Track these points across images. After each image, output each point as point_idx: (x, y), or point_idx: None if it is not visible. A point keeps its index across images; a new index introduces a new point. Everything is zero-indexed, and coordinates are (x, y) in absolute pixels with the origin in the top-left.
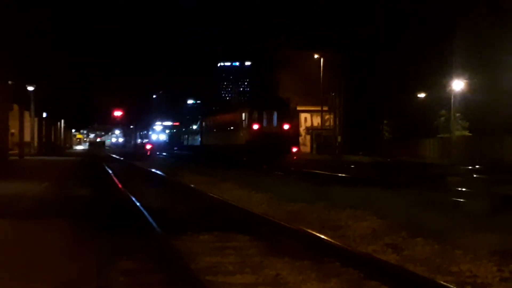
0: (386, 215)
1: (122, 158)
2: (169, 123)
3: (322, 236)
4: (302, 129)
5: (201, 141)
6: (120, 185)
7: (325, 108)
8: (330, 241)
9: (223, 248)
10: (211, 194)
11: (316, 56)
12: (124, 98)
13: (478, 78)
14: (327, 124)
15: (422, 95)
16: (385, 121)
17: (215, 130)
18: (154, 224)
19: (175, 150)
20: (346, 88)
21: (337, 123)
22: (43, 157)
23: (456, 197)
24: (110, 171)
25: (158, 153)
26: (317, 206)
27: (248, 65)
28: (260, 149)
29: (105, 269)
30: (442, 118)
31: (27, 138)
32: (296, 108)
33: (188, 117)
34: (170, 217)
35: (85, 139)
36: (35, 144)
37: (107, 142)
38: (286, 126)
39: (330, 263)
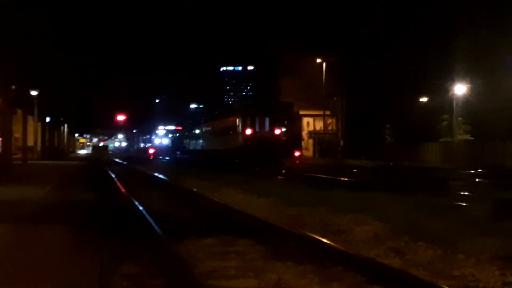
0: (388, 219)
1: (125, 163)
2: (172, 127)
3: (325, 240)
4: (304, 133)
5: (202, 146)
6: (123, 189)
7: (328, 112)
8: (333, 245)
9: (225, 252)
10: (213, 199)
11: (318, 60)
12: (127, 102)
13: (481, 82)
14: (329, 128)
15: (424, 99)
16: (387, 125)
17: (214, 135)
18: (156, 228)
19: (178, 154)
20: (348, 92)
21: (340, 127)
22: (46, 161)
23: (458, 201)
24: (113, 175)
25: (161, 157)
26: (319, 210)
27: (250, 70)
28: (253, 153)
29: (107, 273)
30: (444, 123)
31: (30, 142)
32: (298, 112)
33: (190, 121)
34: (172, 221)
35: (88, 143)
36: (39, 148)
37: (110, 146)
38: (277, 131)
39: (332, 267)
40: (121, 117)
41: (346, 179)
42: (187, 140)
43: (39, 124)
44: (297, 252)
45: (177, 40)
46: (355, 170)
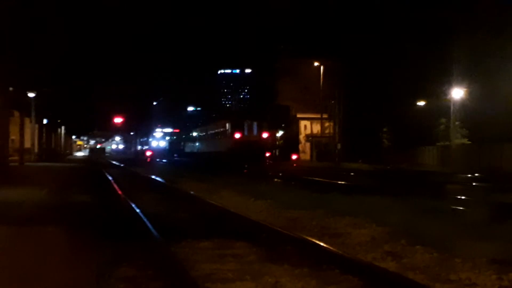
0: (386, 223)
1: (122, 165)
2: (169, 130)
3: (322, 244)
4: (302, 137)
5: (198, 148)
6: (120, 192)
7: (325, 116)
8: (330, 249)
9: (222, 255)
10: (210, 201)
11: (316, 63)
12: (124, 104)
13: (478, 86)
14: (326, 131)
15: (422, 103)
16: (384, 129)
17: (208, 138)
18: (153, 231)
19: (175, 157)
20: (346, 95)
21: (337, 130)
22: (43, 163)
23: (455, 205)
24: (110, 178)
25: (158, 160)
26: (316, 213)
27: (248, 72)
28: (241, 155)
29: (104, 275)
30: (442, 126)
31: (27, 144)
32: (296, 115)
33: (188, 124)
34: (169, 224)
35: (85, 145)
36: (36, 150)
37: (107, 148)
38: (265, 135)
39: (329, 270)
40: (118, 120)
41: (343, 182)
42: (183, 143)
43: (36, 126)
44: (294, 255)
45: (175, 43)
46: (352, 174)
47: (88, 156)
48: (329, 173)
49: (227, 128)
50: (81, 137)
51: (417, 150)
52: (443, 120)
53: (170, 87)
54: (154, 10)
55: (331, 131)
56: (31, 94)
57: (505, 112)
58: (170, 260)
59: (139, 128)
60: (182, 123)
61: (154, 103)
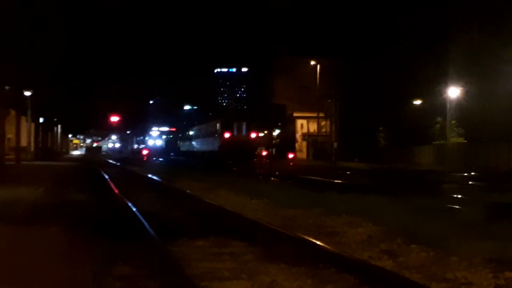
0: (382, 222)
1: (118, 164)
2: (165, 128)
3: (318, 242)
4: (298, 135)
5: (194, 147)
6: (116, 191)
7: (321, 115)
8: (326, 247)
9: (219, 253)
10: (207, 200)
11: (312, 62)
12: (121, 103)
13: (474, 85)
14: (323, 130)
15: (418, 102)
16: (381, 128)
17: (203, 137)
18: (150, 229)
19: (172, 155)
20: (342, 94)
21: (333, 129)
22: (39, 162)
23: (451, 204)
24: (107, 177)
25: (154, 158)
26: (313, 212)
27: (245, 71)
28: (230, 154)
29: (100, 274)
30: (438, 125)
31: (23, 143)
32: (292, 114)
33: (184, 122)
34: (166, 223)
35: (81, 144)
36: (32, 149)
37: (104, 147)
38: (253, 135)
39: (326, 269)
40: (114, 118)
41: (339, 181)
42: (179, 142)
43: (32, 124)
44: (291, 254)
45: (172, 42)
46: (348, 173)
47: (84, 155)
48: (325, 172)
49: (217, 128)
50: (78, 136)
51: (414, 149)
52: (439, 119)
53: (167, 85)
54: (151, 9)
55: (328, 130)
56: (27, 93)
57: (501, 112)
58: (166, 259)
59: (135, 126)
60: (179, 121)
61: (151, 102)
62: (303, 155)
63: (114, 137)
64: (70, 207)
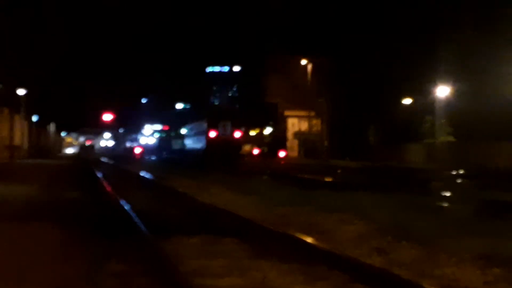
0: (373, 219)
1: (111, 162)
2: (158, 127)
3: (309, 240)
4: (289, 134)
5: (186, 146)
6: (109, 189)
7: (313, 113)
8: (318, 245)
9: (211, 251)
10: (199, 198)
11: (304, 61)
12: (114, 101)
13: (464, 84)
14: (314, 129)
15: (408, 100)
16: (371, 126)
17: (193, 136)
18: (142, 227)
19: (165, 154)
20: (333, 93)
21: (324, 128)
22: (33, 160)
23: (441, 202)
24: (100, 175)
25: (147, 157)
26: (304, 210)
27: (237, 71)
28: (216, 152)
29: (93, 271)
30: (428, 124)
31: (17, 141)
32: (283, 113)
33: (177, 121)
34: (158, 221)
35: (75, 142)
36: (25, 147)
37: (97, 145)
38: (237, 134)
39: (317, 266)
40: (107, 116)
41: (331, 179)
42: (172, 140)
43: (25, 122)
44: (282, 251)
45: (165, 40)
46: (339, 171)
47: (77, 153)
48: (316, 170)
49: (204, 127)
50: (71, 134)
51: (404, 147)
52: (429, 117)
53: (160, 84)
54: (143, 8)
55: (319, 128)
56: (20, 91)
57: (490, 110)
58: (159, 256)
59: (128, 125)
60: (172, 120)
61: (143, 100)
62: (294, 153)
63: (107, 135)
64: (63, 205)
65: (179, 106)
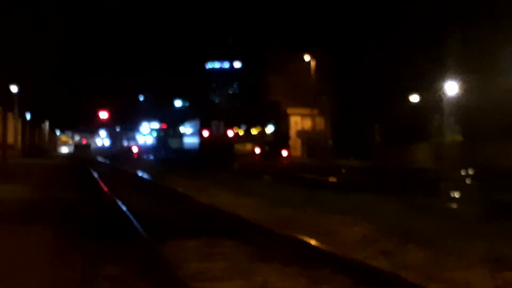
0: (378, 221)
1: (108, 161)
2: (156, 125)
3: (312, 242)
4: (292, 132)
5: (185, 144)
6: (106, 189)
7: (316, 111)
8: (320, 247)
9: (211, 253)
10: (198, 199)
11: (307, 58)
12: (110, 99)
13: (472, 82)
14: (318, 127)
15: (415, 98)
16: (376, 125)
17: (190, 135)
18: (140, 229)
19: (163, 153)
20: (337, 91)
21: (328, 126)
22: (27, 160)
23: (448, 203)
24: (96, 175)
25: (145, 156)
26: (307, 211)
27: (238, 68)
28: (209, 151)
29: (89, 274)
30: (435, 122)
31: (10, 140)
32: (286, 111)
33: (176, 119)
34: (156, 222)
35: (70, 141)
36: (19, 146)
37: (93, 144)
38: (230, 133)
39: (320, 269)
40: (104, 115)
41: (334, 179)
42: (170, 139)
43: (19, 121)
44: (284, 253)
45: (163, 37)
46: (343, 171)
47: (73, 152)
48: (319, 170)
49: (198, 126)
50: (66, 133)
51: (410, 146)
52: (437, 116)
53: (158, 80)
54: (142, 3)
55: (322, 127)
56: (14, 89)
57: (499, 108)
58: (157, 259)
59: (125, 123)
60: (170, 118)
61: (141, 98)
62: (297, 152)
63: (103, 134)
64: (59, 205)
65: (178, 103)
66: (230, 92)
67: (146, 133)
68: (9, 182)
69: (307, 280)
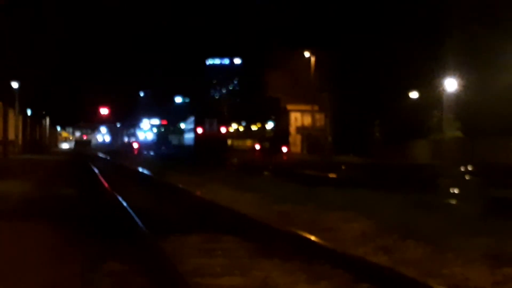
0: (377, 217)
1: (108, 158)
2: (156, 121)
3: (312, 238)
4: (292, 129)
5: (184, 141)
6: (106, 185)
7: (316, 108)
8: (320, 243)
9: (211, 249)
10: (199, 195)
11: (307, 55)
12: (111, 95)
13: (471, 78)
14: (318, 124)
15: (415, 95)
16: (376, 121)
17: (189, 131)
18: (140, 224)
19: (163, 149)
20: (337, 87)
21: (328, 123)
22: (28, 155)
23: (448, 199)
24: (97, 171)
25: (145, 152)
26: (306, 207)
27: (238, 64)
28: (203, 147)
29: (90, 270)
30: (435, 119)
31: (11, 136)
32: (286, 107)
33: (176, 115)
34: (157, 218)
35: (71, 137)
36: (20, 142)
37: (93, 140)
38: (223, 130)
39: (320, 265)
40: (104, 111)
41: (334, 176)
42: (170, 135)
43: (20, 117)
44: (284, 249)
45: (163, 31)
46: (343, 167)
47: (73, 148)
48: (319, 166)
49: (193, 124)
50: (67, 129)
51: (410, 143)
52: (436, 112)
53: (158, 76)
54: (142, 4)
55: (322, 123)
56: (14, 84)
57: (499, 105)
58: (157, 255)
59: (125, 119)
60: (170, 114)
61: (141, 94)
62: (297, 148)
63: (104, 130)
64: (59, 201)
65: (178, 99)
66: (230, 88)
67: (147, 129)
68: (10, 178)
69: (307, 275)
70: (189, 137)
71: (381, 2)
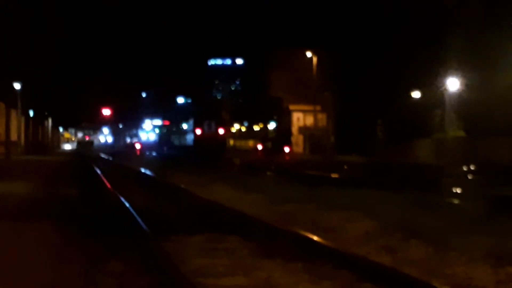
0: (380, 217)
1: (111, 158)
2: (159, 122)
3: (315, 238)
4: (294, 129)
5: (187, 142)
6: (109, 185)
7: (318, 108)
8: (323, 243)
9: (214, 249)
10: (201, 195)
11: (309, 54)
12: (113, 96)
13: (474, 77)
14: (320, 124)
15: (417, 94)
16: (379, 121)
17: (189, 133)
18: (143, 225)
19: (166, 150)
20: (340, 87)
21: (330, 122)
22: (30, 156)
23: (450, 199)
24: (99, 171)
25: (147, 153)
26: (309, 207)
27: (240, 64)
28: (202, 148)
29: (92, 270)
30: (437, 118)
31: (13, 137)
32: (288, 107)
33: (178, 116)
34: (159, 218)
35: (73, 138)
36: (22, 143)
37: (96, 141)
38: (221, 131)
39: (323, 265)
40: (106, 112)
41: (336, 175)
42: (173, 136)
43: (22, 118)
44: (287, 249)
45: (164, 32)
46: (346, 167)
47: (76, 149)
48: (322, 166)
49: (192, 125)
50: (69, 130)
51: (412, 142)
52: (438, 111)
53: (160, 77)
54: (142, 4)
55: (325, 123)
56: (17, 86)
57: (501, 104)
58: (160, 255)
59: (128, 120)
60: (172, 115)
61: (143, 95)
62: (299, 148)
63: (106, 131)
64: (62, 202)
65: (180, 100)
66: (232, 89)
67: (149, 130)
68: (13, 179)
69: (310, 275)
70: (191, 137)
71: (381, 2)
